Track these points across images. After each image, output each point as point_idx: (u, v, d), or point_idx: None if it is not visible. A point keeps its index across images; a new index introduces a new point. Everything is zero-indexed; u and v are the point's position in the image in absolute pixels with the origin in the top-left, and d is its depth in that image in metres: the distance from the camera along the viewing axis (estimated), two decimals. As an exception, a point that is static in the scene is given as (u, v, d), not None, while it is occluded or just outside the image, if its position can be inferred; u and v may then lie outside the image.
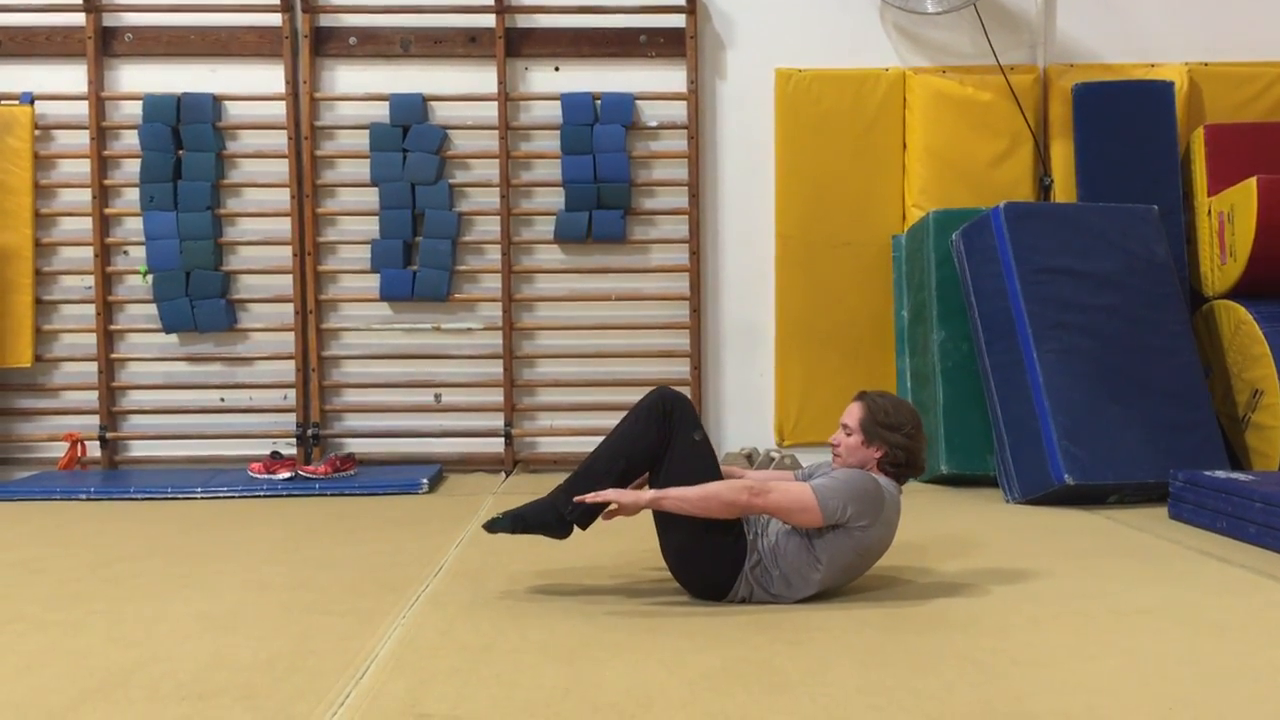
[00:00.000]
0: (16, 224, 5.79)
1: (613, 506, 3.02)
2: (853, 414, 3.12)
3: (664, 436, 3.03)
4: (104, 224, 5.90)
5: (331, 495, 5.12)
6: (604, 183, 5.88)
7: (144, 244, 5.86)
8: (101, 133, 5.88)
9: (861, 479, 3.02)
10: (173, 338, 5.96)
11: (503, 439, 5.96)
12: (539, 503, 3.09)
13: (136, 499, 5.05)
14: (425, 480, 5.25)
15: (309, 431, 5.93)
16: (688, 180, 5.95)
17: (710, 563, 3.03)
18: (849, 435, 3.11)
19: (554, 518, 3.06)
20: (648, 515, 3.12)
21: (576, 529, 3.10)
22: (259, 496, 5.09)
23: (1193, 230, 5.66)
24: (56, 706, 2.26)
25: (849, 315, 5.91)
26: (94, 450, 5.90)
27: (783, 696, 2.28)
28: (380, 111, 5.92)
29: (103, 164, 5.89)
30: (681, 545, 3.04)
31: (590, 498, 2.99)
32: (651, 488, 3.06)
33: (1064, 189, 5.82)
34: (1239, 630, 2.80)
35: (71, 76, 5.89)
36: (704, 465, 3.04)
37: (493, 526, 3.10)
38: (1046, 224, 5.13)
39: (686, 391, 5.62)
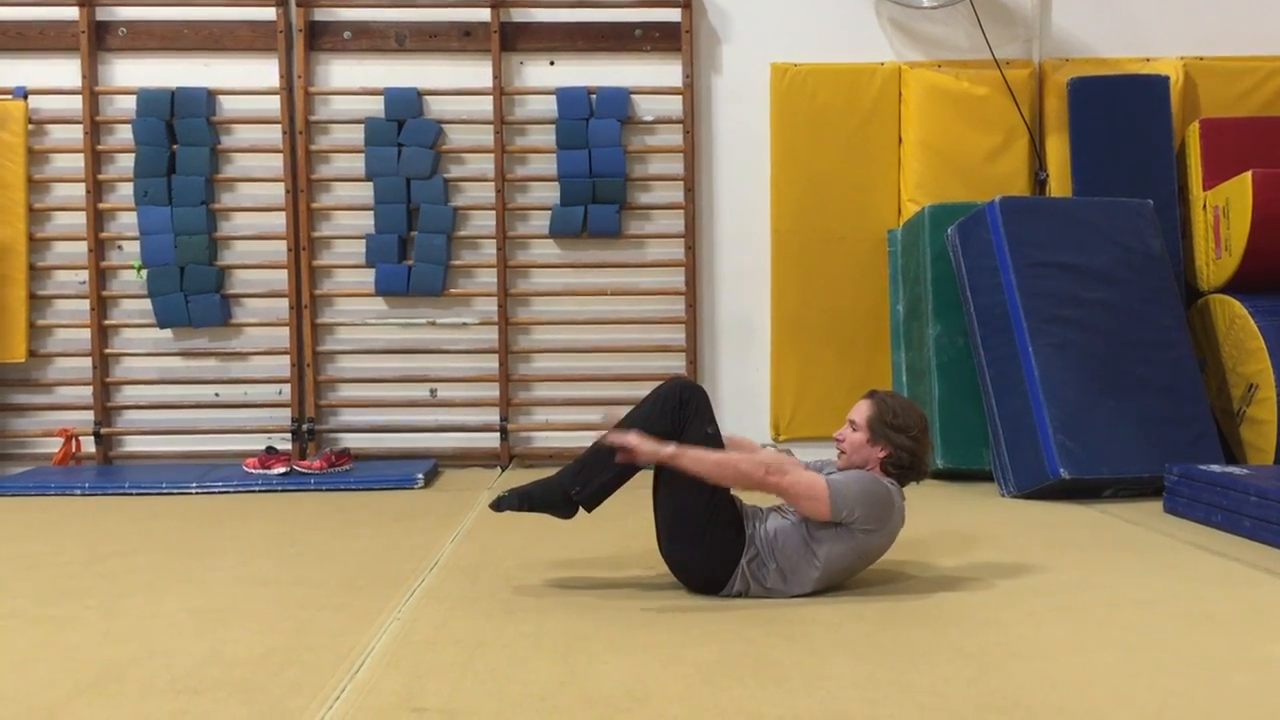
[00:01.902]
0: (10, 219, 5.77)
1: (629, 446, 2.93)
2: (861, 411, 3.12)
3: (676, 426, 3.03)
4: (98, 219, 5.88)
5: (326, 490, 5.10)
6: (599, 177, 5.86)
7: (138, 239, 5.85)
8: (95, 127, 5.86)
9: (876, 484, 3.02)
10: (167, 333, 5.95)
11: (498, 434, 5.96)
12: (547, 481, 3.09)
13: (131, 494, 5.04)
14: (420, 475, 5.24)
15: (304, 426, 5.92)
16: (683, 175, 5.94)
17: (707, 556, 3.03)
18: (855, 431, 3.11)
19: (561, 497, 3.06)
20: (647, 509, 3.12)
21: (582, 511, 3.10)
22: (254, 492, 5.08)
23: (1188, 224, 5.66)
24: (51, 701, 2.26)
25: (844, 310, 5.90)
26: (88, 445, 5.89)
27: (779, 690, 2.28)
28: (375, 106, 5.90)
29: (96, 159, 5.87)
30: (680, 537, 3.04)
31: (613, 437, 2.94)
32: (656, 477, 3.07)
33: (1059, 183, 5.81)
34: (1234, 623, 2.81)
35: (65, 71, 5.87)
36: None
37: (499, 504, 3.10)
38: (1042, 218, 5.13)
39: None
